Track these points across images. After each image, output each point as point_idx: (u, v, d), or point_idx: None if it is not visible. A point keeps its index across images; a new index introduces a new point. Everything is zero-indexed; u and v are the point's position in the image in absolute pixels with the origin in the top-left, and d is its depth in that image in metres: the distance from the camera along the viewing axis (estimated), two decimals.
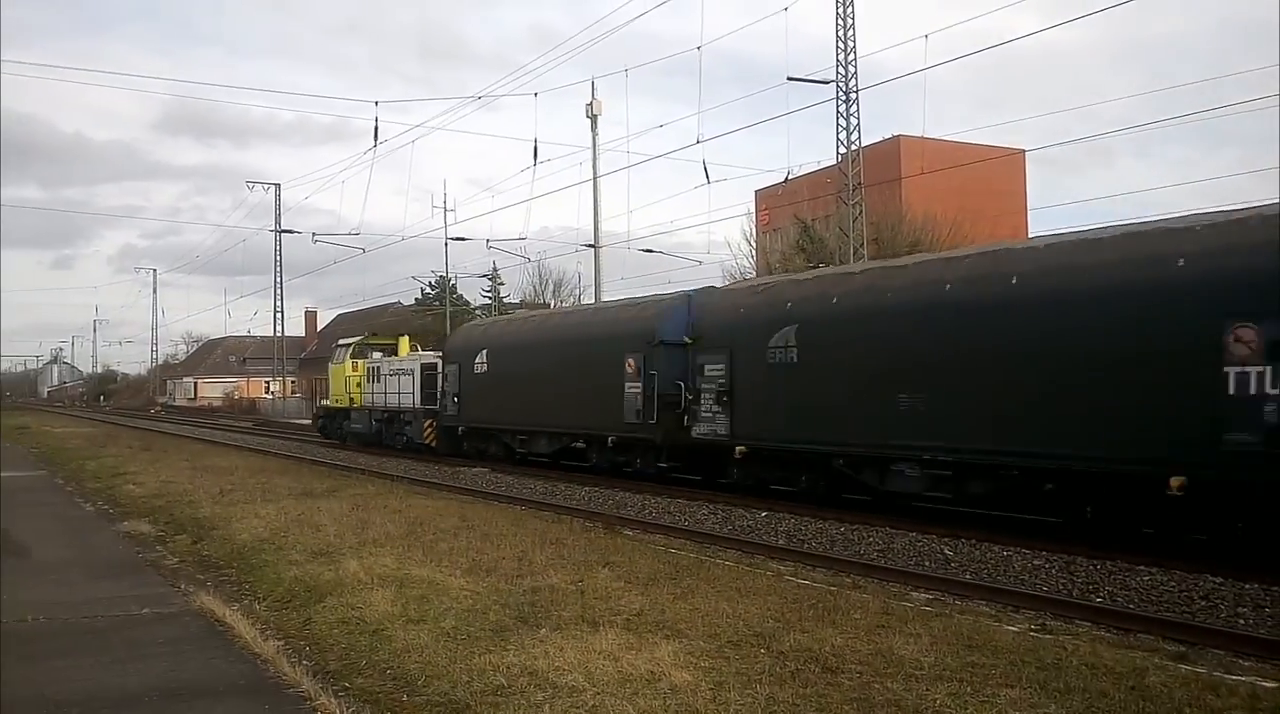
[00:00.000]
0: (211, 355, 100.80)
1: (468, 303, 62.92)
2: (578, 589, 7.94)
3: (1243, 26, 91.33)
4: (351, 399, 31.59)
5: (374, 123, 35.09)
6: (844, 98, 29.19)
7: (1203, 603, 8.91)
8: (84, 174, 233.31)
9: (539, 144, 34.73)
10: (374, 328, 44.42)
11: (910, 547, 11.75)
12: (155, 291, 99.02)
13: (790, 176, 32.44)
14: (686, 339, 17.38)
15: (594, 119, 34.48)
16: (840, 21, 28.82)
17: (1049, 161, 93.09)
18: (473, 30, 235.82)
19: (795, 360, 14.97)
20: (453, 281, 57.84)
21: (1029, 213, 49.31)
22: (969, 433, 12.31)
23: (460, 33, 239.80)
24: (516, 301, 57.90)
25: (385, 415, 29.43)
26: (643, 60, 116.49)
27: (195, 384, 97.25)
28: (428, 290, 62.22)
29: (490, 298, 61.02)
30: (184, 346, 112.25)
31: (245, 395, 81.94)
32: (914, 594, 9.06)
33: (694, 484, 17.80)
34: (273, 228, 60.40)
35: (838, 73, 29.04)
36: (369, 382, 30.55)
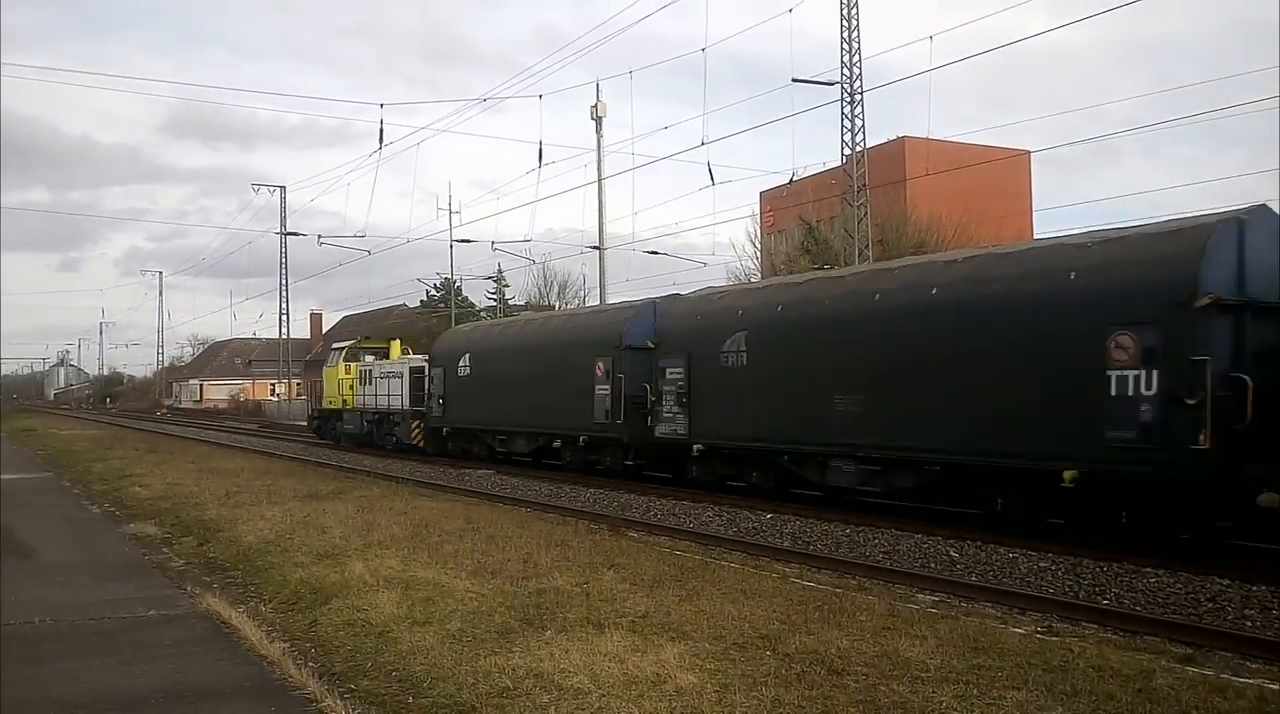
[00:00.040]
0: (217, 358, 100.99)
1: (473, 305, 62.90)
2: (583, 591, 7.93)
3: (1249, 26, 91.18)
4: (344, 401, 32.53)
5: (379, 125, 35.28)
6: (849, 99, 29.18)
7: (1209, 605, 8.89)
8: (90, 177, 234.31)
9: (544, 146, 34.48)
10: (379, 330, 44.69)
11: (916, 548, 11.73)
12: (161, 294, 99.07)
13: (795, 178, 32.26)
14: (650, 344, 18.34)
15: (599, 121, 34.55)
16: (845, 23, 28.83)
17: (1057, 162, 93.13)
18: (477, 32, 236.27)
19: (745, 364, 16.06)
20: (458, 284, 57.90)
21: (1034, 214, 49.26)
22: (896, 431, 13.32)
23: (464, 34, 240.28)
24: (521, 304, 57.93)
25: (376, 416, 30.33)
26: (647, 62, 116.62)
27: (201, 386, 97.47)
28: (433, 292, 62.29)
29: (495, 300, 61.07)
30: (190, 349, 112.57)
31: (251, 397, 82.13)
32: (920, 596, 9.04)
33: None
34: (278, 230, 60.53)
35: (842, 74, 29.06)
36: (361, 384, 31.49)
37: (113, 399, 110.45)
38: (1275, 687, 5.82)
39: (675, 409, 17.41)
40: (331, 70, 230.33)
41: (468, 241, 46.95)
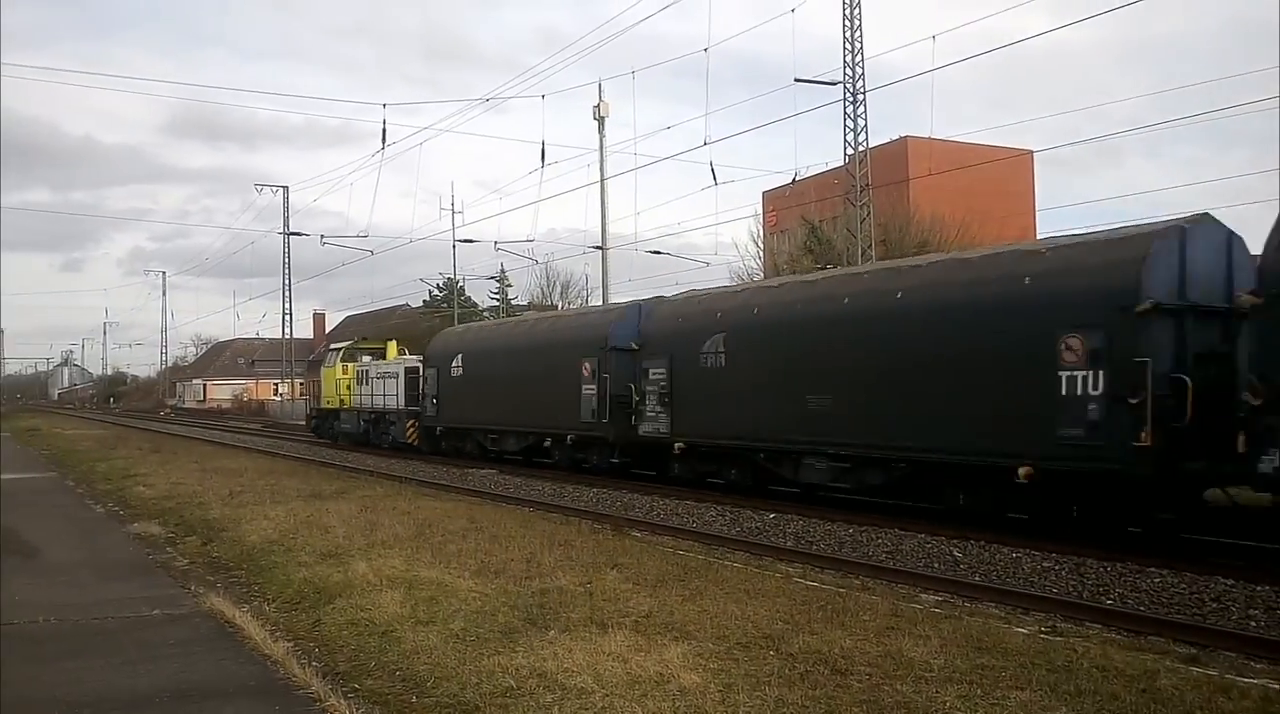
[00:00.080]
0: (220, 357, 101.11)
1: (476, 305, 62.95)
2: (586, 591, 7.93)
3: (1250, 26, 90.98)
4: (341, 400, 33.27)
5: (382, 125, 35.37)
6: (851, 99, 29.14)
7: (1214, 605, 8.87)
8: (93, 177, 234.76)
9: (546, 146, 34.52)
10: (382, 330, 44.81)
11: (919, 548, 11.72)
12: (164, 294, 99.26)
13: (798, 178, 32.29)
14: (634, 345, 18.94)
15: (601, 121, 34.56)
16: (847, 23, 28.80)
17: (1058, 162, 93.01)
18: (478, 32, 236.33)
19: (723, 365, 16.65)
20: (460, 284, 57.94)
21: (1037, 214, 49.22)
22: (864, 430, 13.90)
23: (465, 34, 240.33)
24: (524, 304, 57.95)
25: (372, 416, 31.09)
26: (650, 62, 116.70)
27: (204, 386, 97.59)
28: (436, 293, 62.32)
29: (498, 300, 61.10)
30: (193, 349, 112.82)
31: (254, 397, 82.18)
32: (923, 596, 9.03)
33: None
34: (281, 230, 60.66)
35: (845, 74, 29.02)
36: (358, 384, 32.21)
37: (116, 399, 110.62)
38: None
39: (658, 409, 17.96)
40: (333, 70, 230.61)
41: (470, 242, 47.05)
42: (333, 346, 38.06)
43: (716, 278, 43.72)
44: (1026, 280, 11.97)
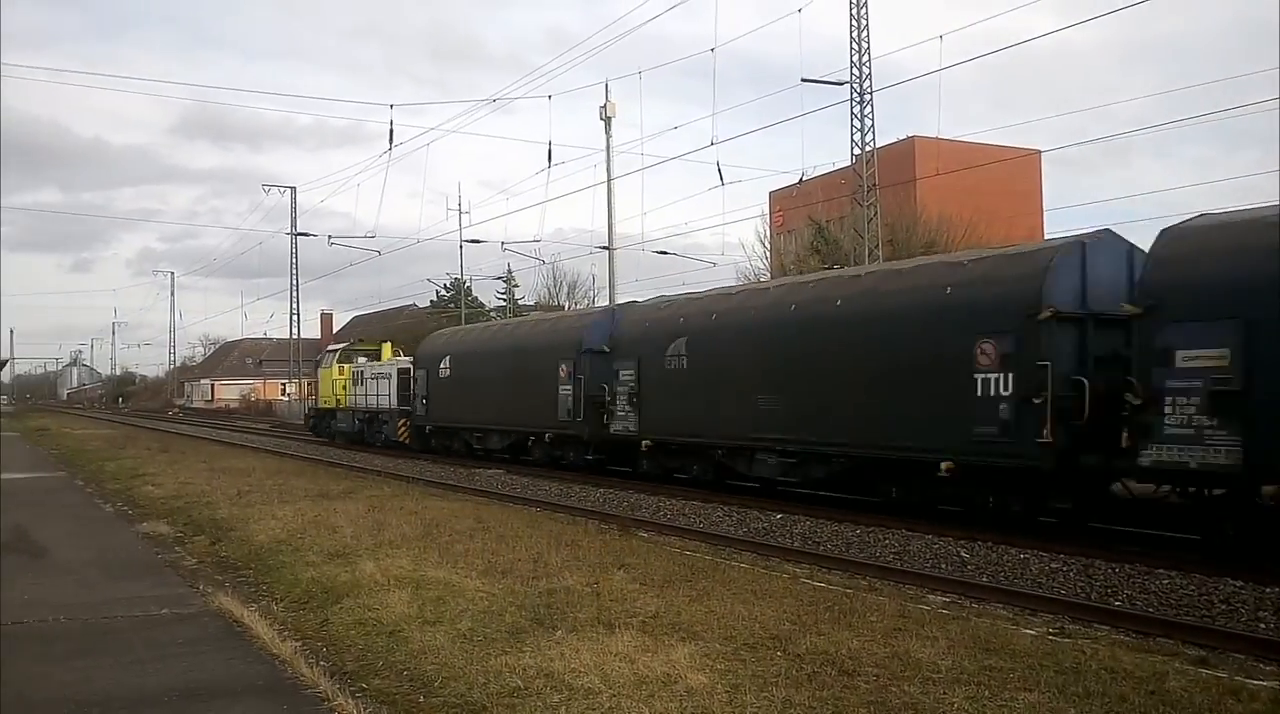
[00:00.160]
0: (228, 357, 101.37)
1: (483, 305, 63.01)
2: (593, 591, 7.94)
3: (1254, 27, 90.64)
4: (338, 400, 34.37)
5: (389, 125, 35.41)
6: (858, 99, 29.11)
7: (1223, 607, 8.84)
8: (102, 178, 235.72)
9: (553, 146, 34.67)
10: (389, 331, 45.19)
11: (926, 549, 11.70)
12: (173, 294, 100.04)
13: (804, 178, 32.23)
14: (606, 348, 19.93)
15: (608, 121, 34.49)
16: (854, 23, 28.75)
17: (1066, 162, 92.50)
18: (485, 32, 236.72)
19: (685, 367, 17.68)
20: (467, 284, 57.98)
21: (1045, 213, 49.07)
22: (809, 428, 14.89)
23: (473, 35, 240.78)
24: (531, 304, 57.96)
25: (367, 415, 32.20)
26: (657, 62, 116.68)
27: (212, 386, 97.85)
28: (443, 293, 62.39)
29: (505, 300, 61.12)
30: (201, 349, 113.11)
31: (262, 397, 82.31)
32: (931, 597, 9.02)
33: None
34: (289, 231, 60.63)
35: (852, 74, 28.98)
36: (353, 384, 33.21)
37: (125, 399, 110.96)
38: None
39: (627, 408, 18.96)
40: (340, 71, 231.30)
41: (477, 242, 47.14)
42: (330, 348, 39.01)
43: (723, 278, 43.70)
44: (948, 290, 12.94)
